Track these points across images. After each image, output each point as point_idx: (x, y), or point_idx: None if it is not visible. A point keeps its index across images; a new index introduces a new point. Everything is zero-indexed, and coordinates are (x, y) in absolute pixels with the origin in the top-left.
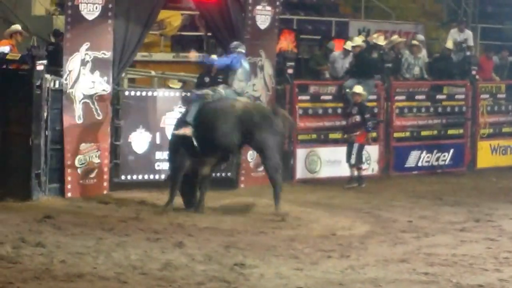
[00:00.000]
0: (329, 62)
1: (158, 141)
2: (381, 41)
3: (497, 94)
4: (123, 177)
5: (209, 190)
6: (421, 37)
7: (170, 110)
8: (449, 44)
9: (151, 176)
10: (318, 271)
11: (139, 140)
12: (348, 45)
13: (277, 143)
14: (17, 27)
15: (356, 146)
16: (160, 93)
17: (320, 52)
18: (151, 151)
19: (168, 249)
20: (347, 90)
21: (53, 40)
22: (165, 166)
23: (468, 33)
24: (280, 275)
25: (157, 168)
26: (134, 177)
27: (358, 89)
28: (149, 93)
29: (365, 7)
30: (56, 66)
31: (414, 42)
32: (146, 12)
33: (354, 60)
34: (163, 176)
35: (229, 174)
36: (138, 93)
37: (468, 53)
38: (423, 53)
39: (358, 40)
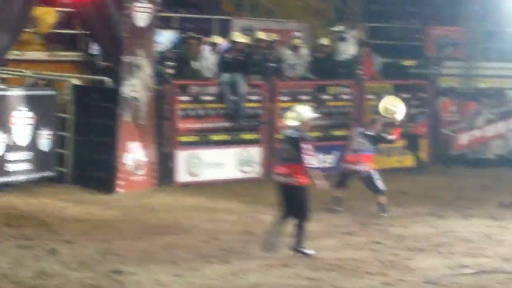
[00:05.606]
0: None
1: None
2: (262, 35)
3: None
4: None
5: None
6: (298, 34)
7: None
8: (324, 41)
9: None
10: (199, 277)
11: None
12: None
13: None
14: None
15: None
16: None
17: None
18: None
19: (41, 256)
20: None
21: None
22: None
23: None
24: (159, 282)
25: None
26: None
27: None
28: None
29: (250, 4)
30: None
31: (296, 42)
32: (15, 9)
33: (235, 55)
34: (12, 178)
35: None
36: None
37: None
38: (305, 52)
39: (238, 35)
